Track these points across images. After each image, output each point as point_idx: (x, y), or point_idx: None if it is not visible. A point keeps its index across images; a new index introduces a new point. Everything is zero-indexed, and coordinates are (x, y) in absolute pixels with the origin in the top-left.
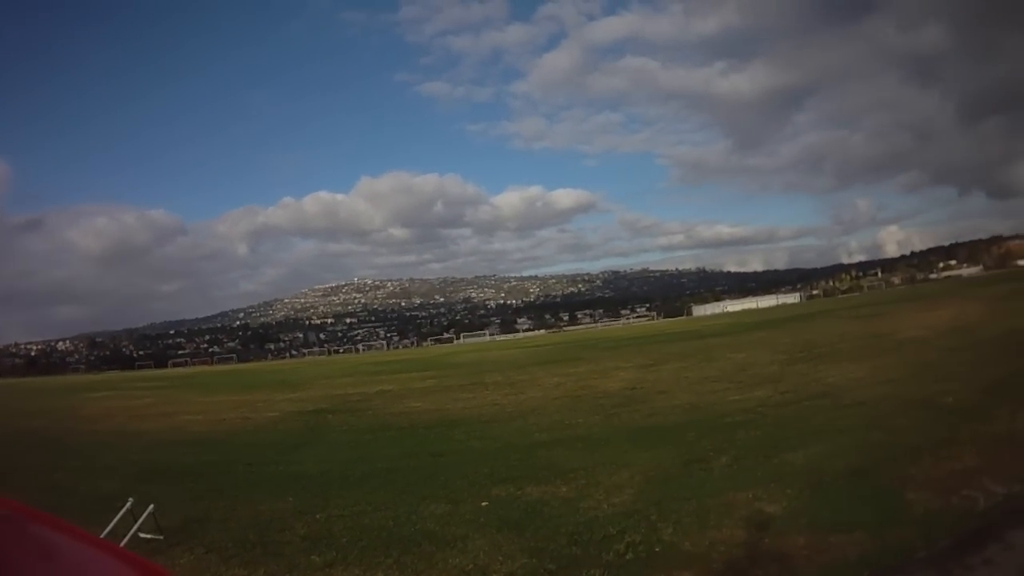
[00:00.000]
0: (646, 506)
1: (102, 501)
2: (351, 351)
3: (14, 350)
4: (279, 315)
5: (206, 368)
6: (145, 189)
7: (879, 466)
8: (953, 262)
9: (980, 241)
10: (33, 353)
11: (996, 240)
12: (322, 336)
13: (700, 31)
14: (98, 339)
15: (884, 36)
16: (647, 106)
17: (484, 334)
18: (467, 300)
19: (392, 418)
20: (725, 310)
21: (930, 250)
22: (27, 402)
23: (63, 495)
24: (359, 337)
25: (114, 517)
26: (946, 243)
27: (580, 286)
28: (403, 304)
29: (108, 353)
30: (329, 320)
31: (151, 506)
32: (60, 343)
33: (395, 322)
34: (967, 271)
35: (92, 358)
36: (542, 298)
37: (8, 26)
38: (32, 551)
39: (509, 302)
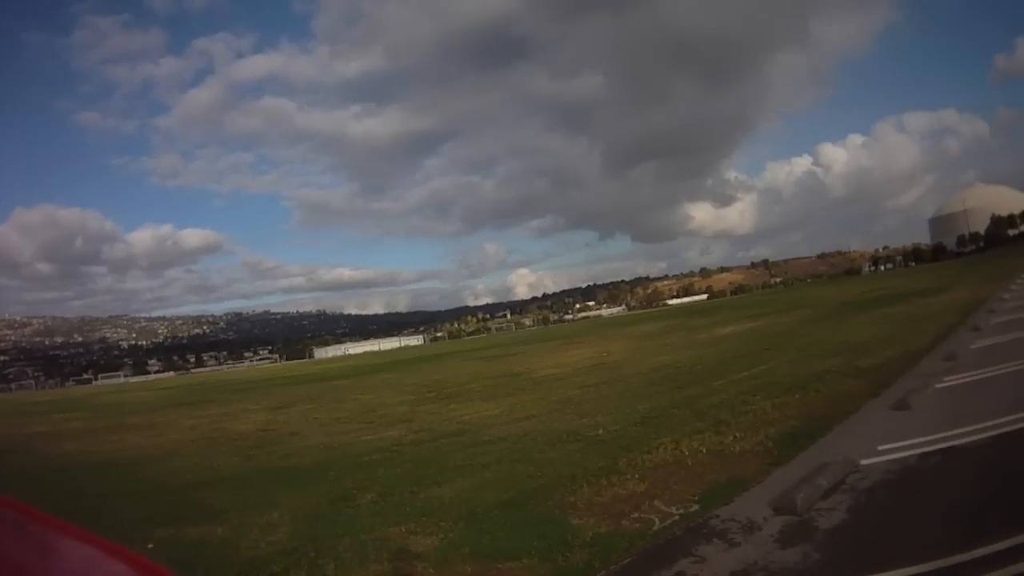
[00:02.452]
0: (303, 543)
1: None
2: (6, 391)
3: None
4: None
5: None
6: None
7: (534, 497)
8: (591, 303)
9: (622, 282)
10: None
11: (641, 281)
12: None
13: (342, 74)
14: None
15: (534, 84)
16: (278, 147)
17: (119, 375)
18: (103, 340)
19: (52, 460)
20: (347, 352)
21: (565, 292)
22: None
23: None
24: (11, 376)
25: None
26: (583, 285)
27: (205, 327)
28: (47, 343)
29: None
30: None
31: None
32: None
33: (41, 361)
34: (608, 311)
35: None
36: (170, 339)
37: None
38: (33, 550)
39: (140, 343)
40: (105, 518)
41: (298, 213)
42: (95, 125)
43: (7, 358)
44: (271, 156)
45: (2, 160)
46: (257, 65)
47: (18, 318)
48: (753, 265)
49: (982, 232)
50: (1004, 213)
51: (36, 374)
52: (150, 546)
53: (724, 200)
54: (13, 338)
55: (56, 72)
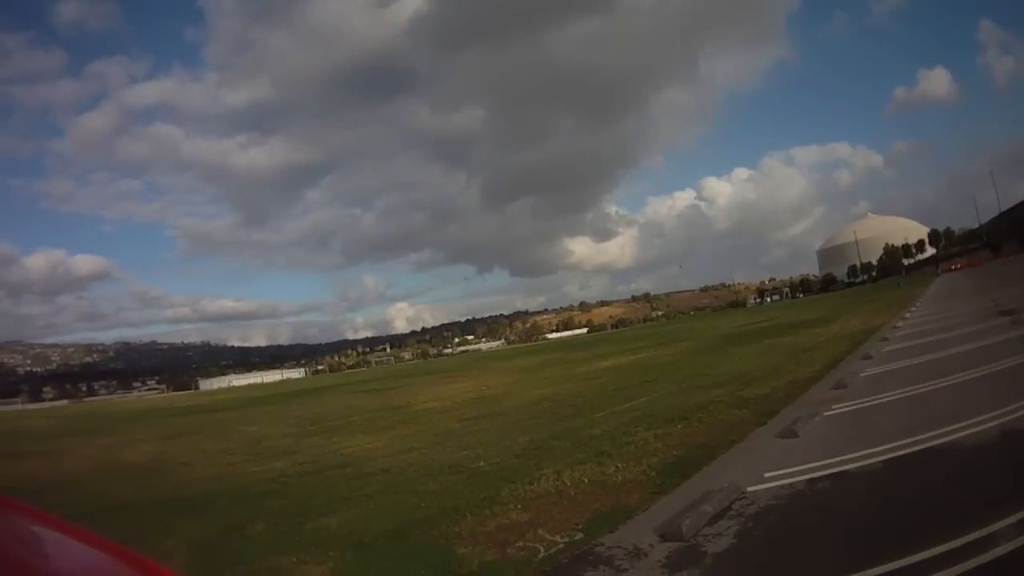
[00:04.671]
0: (200, 573)
1: None
2: None
3: None
4: None
5: None
6: None
7: (418, 527)
8: (471, 337)
9: (502, 316)
10: None
11: (520, 315)
12: None
13: (229, 102)
14: None
15: (415, 118)
16: (165, 175)
17: (17, 402)
18: (0, 365)
19: None
20: (231, 384)
21: (444, 326)
22: None
23: None
24: None
25: None
26: (462, 319)
27: (95, 356)
28: None
29: None
30: None
31: None
32: None
33: None
34: (487, 345)
35: None
36: (63, 367)
37: None
38: (33, 550)
39: (35, 369)
40: None
41: (183, 242)
42: None
43: None
44: (158, 183)
45: None
46: (150, 90)
47: None
48: (634, 299)
49: (875, 262)
50: (899, 243)
51: None
52: None
53: (605, 234)
54: None
55: None
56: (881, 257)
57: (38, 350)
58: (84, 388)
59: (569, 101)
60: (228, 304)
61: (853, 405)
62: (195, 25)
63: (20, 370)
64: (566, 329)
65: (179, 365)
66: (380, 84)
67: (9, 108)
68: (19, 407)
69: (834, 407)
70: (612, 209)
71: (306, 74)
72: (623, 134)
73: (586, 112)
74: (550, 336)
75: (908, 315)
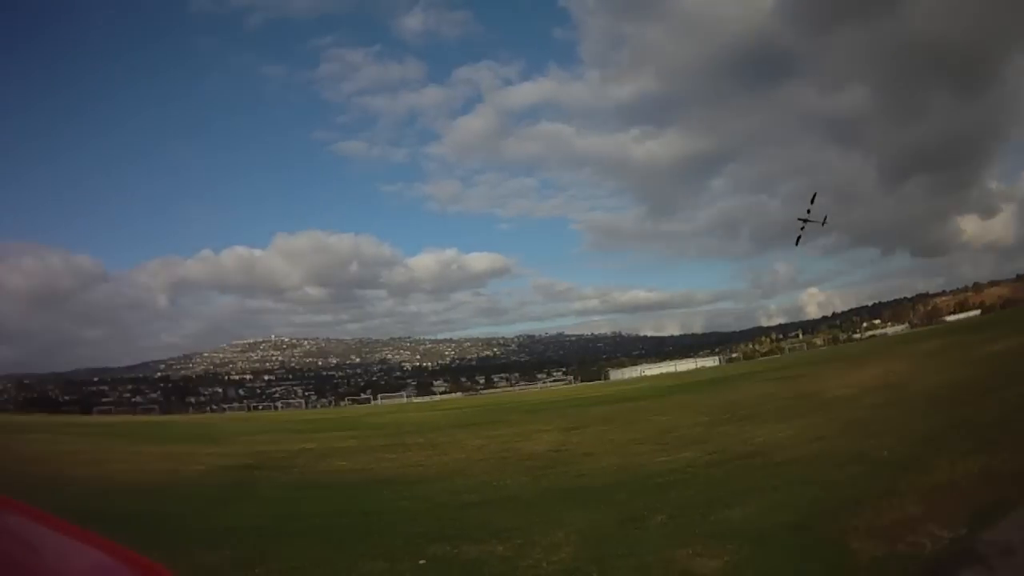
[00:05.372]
0: (586, 564)
1: None
2: (270, 408)
3: None
4: (199, 368)
5: (129, 418)
6: (68, 233)
7: (819, 519)
8: (877, 321)
9: (905, 300)
10: None
11: (922, 298)
12: (241, 392)
13: (616, 97)
14: (25, 381)
15: (804, 100)
16: (560, 171)
17: (401, 395)
18: (383, 361)
19: (318, 476)
20: (643, 374)
21: (852, 310)
22: None
23: None
24: (277, 395)
25: None
26: (869, 303)
27: (495, 350)
28: (320, 363)
29: (35, 395)
30: (248, 376)
31: None
32: None
33: (312, 381)
34: (892, 329)
35: (20, 399)
36: (457, 361)
37: None
38: (33, 550)
39: (425, 364)
40: (373, 533)
41: (587, 236)
42: (360, 155)
43: (273, 377)
44: (555, 180)
45: (266, 188)
46: (526, 92)
47: (286, 339)
48: (1019, 277)
49: None
50: None
51: (306, 393)
52: (422, 562)
53: (989, 211)
54: (280, 358)
55: (305, 104)
56: None
57: (428, 346)
58: (481, 380)
59: (940, 74)
60: (640, 295)
61: None
62: (562, 26)
63: (407, 365)
64: (961, 311)
65: (587, 355)
66: (763, 69)
67: (370, 117)
68: (404, 400)
69: None
70: (993, 184)
71: (688, 65)
72: (991, 105)
73: (957, 84)
74: (948, 319)
75: None
